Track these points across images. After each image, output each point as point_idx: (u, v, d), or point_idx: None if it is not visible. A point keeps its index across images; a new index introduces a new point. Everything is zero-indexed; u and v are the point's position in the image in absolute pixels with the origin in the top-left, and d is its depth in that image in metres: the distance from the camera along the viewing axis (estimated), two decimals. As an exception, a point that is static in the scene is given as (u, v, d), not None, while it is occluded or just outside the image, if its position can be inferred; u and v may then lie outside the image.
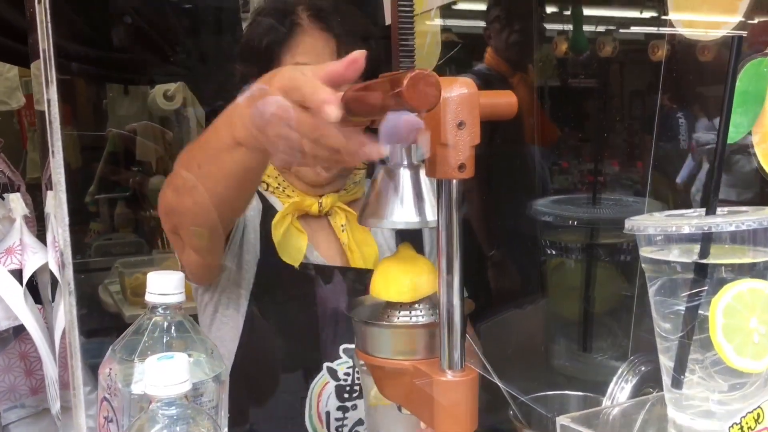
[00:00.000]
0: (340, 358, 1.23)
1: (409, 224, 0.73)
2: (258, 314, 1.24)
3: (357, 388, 1.23)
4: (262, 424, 1.24)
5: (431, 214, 0.72)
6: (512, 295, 2.27)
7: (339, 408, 1.23)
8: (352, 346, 1.19)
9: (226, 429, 0.86)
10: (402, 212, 0.72)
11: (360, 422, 1.24)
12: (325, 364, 1.22)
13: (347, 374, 1.22)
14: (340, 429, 1.24)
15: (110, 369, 0.80)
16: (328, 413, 1.23)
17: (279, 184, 1.29)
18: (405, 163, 0.74)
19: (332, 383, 1.22)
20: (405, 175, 0.73)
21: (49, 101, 0.63)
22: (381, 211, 0.73)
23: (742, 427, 0.74)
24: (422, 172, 0.74)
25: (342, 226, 1.28)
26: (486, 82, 2.26)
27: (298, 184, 1.29)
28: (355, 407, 1.23)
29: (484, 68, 2.37)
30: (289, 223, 1.24)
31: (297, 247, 1.23)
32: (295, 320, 1.25)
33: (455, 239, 0.70)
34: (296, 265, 1.22)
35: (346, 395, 1.23)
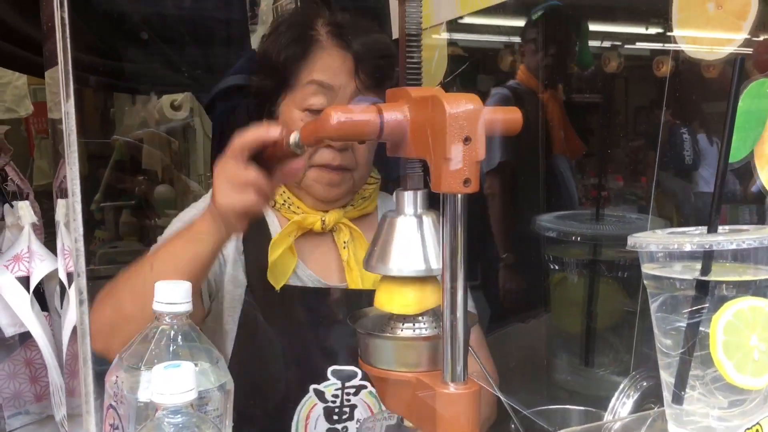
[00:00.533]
0: (328, 380, 1.20)
1: (414, 272, 0.76)
2: (247, 337, 1.22)
3: (346, 410, 1.21)
4: None
5: (435, 262, 0.76)
6: (515, 310, 2.28)
7: (329, 430, 1.21)
8: (342, 367, 1.19)
9: (230, 438, 0.86)
10: (407, 260, 0.76)
11: None
12: (312, 387, 1.20)
13: (335, 396, 1.20)
14: None
15: (117, 377, 0.81)
16: None
17: (285, 201, 1.26)
18: (410, 212, 0.77)
19: (320, 405, 1.20)
20: (411, 224, 0.77)
21: (67, 114, 0.64)
22: (387, 258, 0.77)
23: (741, 444, 0.75)
24: (426, 221, 0.77)
25: (344, 242, 1.25)
26: (517, 97, 2.33)
27: (308, 199, 1.26)
28: (345, 429, 1.21)
29: (515, 83, 2.43)
30: (288, 245, 1.21)
31: (282, 269, 1.21)
32: (282, 342, 1.23)
33: (459, 253, 0.71)
34: (277, 287, 1.21)
35: (336, 417, 1.20)
